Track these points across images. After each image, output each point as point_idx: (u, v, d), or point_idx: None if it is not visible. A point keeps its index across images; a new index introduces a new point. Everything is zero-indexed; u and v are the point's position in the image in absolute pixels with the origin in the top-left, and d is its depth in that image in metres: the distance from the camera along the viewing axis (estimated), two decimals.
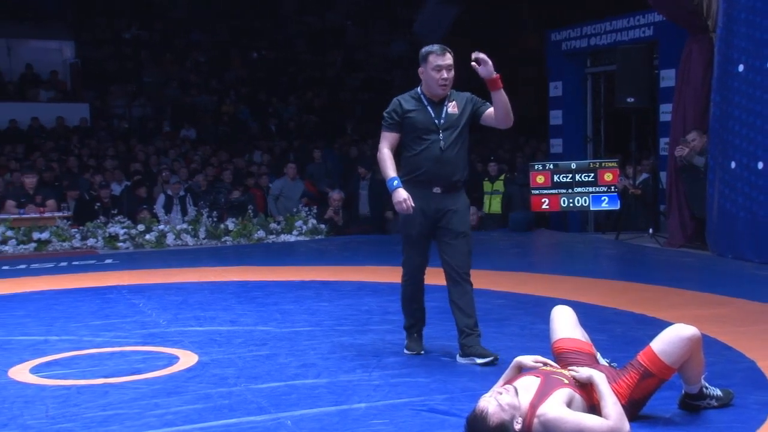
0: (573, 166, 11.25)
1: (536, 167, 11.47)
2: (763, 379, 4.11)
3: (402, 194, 4.58)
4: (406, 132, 4.74)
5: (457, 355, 4.71)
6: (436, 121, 4.70)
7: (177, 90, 17.72)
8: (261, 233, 11.05)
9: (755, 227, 8.29)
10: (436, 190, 4.69)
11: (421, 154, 4.68)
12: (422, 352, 4.86)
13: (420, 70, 4.75)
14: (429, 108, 4.72)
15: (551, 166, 11.38)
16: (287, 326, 5.62)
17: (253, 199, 12.16)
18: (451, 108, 4.74)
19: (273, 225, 11.24)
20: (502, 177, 12.22)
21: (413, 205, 4.58)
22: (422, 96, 4.75)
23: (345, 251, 9.89)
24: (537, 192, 11.32)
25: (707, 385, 3.63)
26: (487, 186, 12.28)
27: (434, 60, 4.67)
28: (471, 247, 4.80)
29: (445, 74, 4.66)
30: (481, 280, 7.36)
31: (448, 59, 4.69)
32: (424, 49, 4.76)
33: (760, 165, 8.22)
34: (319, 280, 7.58)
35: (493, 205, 12.20)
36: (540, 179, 11.30)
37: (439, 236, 4.78)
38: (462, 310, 4.73)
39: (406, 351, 4.90)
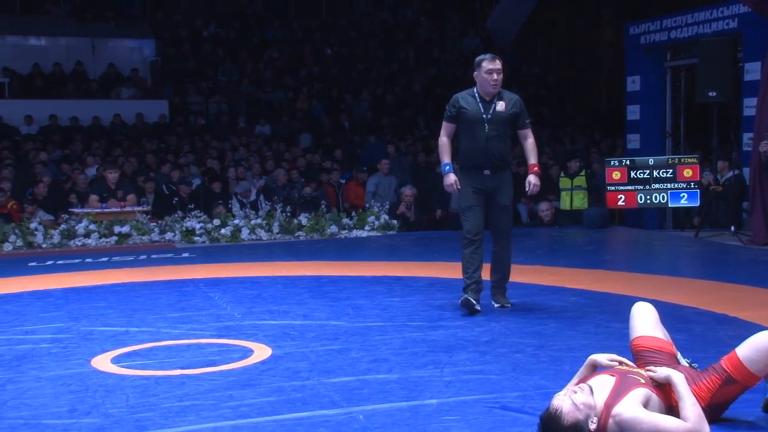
0: (651, 161, 11.00)
1: (612, 163, 11.25)
2: None
3: (451, 178, 5.83)
4: (461, 123, 5.84)
5: (493, 302, 5.95)
6: (485, 115, 5.77)
7: (252, 87, 17.97)
8: (333, 228, 11.11)
9: None
10: (486, 171, 5.78)
11: (472, 144, 5.78)
12: (477, 307, 5.76)
13: (475, 73, 5.84)
14: (480, 105, 5.79)
15: (628, 162, 11.15)
16: (359, 321, 5.65)
17: (325, 194, 12.25)
18: (500, 106, 5.80)
19: (345, 220, 11.31)
20: (583, 173, 12.03)
21: (459, 188, 5.82)
22: (476, 94, 5.83)
23: (417, 247, 9.88)
24: (613, 188, 11.10)
25: None
26: (565, 182, 12.11)
27: (486, 65, 5.76)
28: (512, 214, 6.05)
29: (495, 76, 5.73)
30: (556, 277, 7.31)
31: (498, 65, 5.76)
32: (478, 58, 5.86)
33: None
34: (391, 276, 7.59)
35: (575, 201, 12.02)
36: (616, 175, 11.08)
37: (488, 207, 5.86)
38: (497, 268, 5.96)
39: (460, 304, 5.80)
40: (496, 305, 5.98)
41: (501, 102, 5.80)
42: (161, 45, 18.76)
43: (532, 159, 5.91)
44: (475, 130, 5.77)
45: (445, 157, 5.89)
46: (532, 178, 5.87)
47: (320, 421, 3.55)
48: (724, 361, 3.35)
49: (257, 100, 17.68)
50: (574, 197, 12.00)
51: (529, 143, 5.93)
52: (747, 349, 3.31)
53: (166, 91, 17.57)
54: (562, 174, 12.20)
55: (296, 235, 11.02)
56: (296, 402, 3.83)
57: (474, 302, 5.76)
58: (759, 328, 3.79)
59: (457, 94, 5.94)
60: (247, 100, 17.66)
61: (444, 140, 5.93)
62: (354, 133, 16.73)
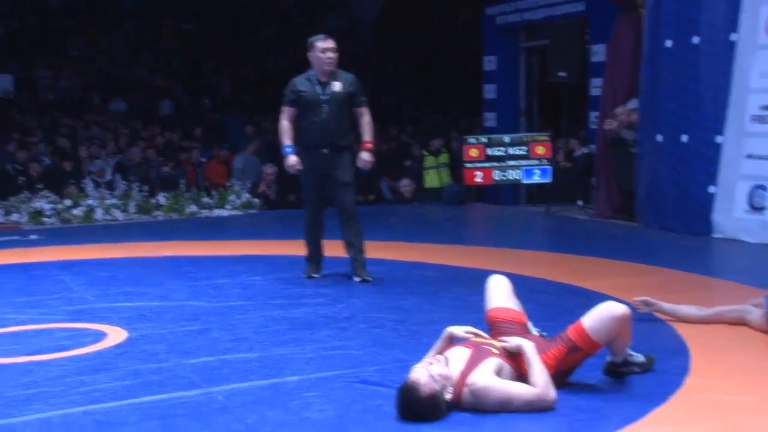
0: (506, 139, 11.35)
1: (469, 141, 11.54)
2: (683, 344, 4.24)
3: (292, 159, 6.07)
4: (300, 106, 6.03)
5: (353, 277, 6.12)
6: (322, 96, 5.98)
7: (106, 62, 17.26)
8: (193, 208, 10.90)
9: (680, 199, 8.52)
10: (324, 150, 5.98)
11: (311, 124, 5.99)
12: (319, 275, 6.24)
13: (309, 54, 6.03)
14: (317, 87, 6.00)
15: (485, 140, 11.47)
16: (220, 301, 5.57)
17: (184, 173, 11.98)
18: (336, 87, 6.00)
19: (206, 199, 11.10)
20: (446, 151, 12.30)
21: (300, 168, 6.04)
22: (313, 76, 6.04)
23: (278, 225, 9.83)
24: (470, 165, 11.40)
25: (631, 352, 3.72)
26: (430, 161, 12.33)
27: (320, 45, 5.98)
28: (355, 191, 6.20)
29: (330, 55, 5.96)
30: (416, 252, 7.46)
31: (331, 44, 5.99)
32: (311, 38, 6.07)
33: (685, 138, 8.44)
34: (253, 255, 7.52)
35: (442, 177, 12.29)
36: (473, 153, 11.38)
37: (330, 186, 6.09)
38: (351, 243, 6.14)
39: (304, 275, 6.23)
40: (357, 279, 6.09)
41: (337, 82, 6.00)
42: (4, 16, 17.68)
43: (367, 136, 6.14)
44: (313, 112, 5.99)
45: (286, 140, 6.08)
46: (364, 155, 6.11)
47: (178, 403, 3.49)
48: (570, 331, 3.53)
49: (112, 76, 17.00)
50: (441, 174, 12.27)
51: (365, 121, 6.13)
52: (590, 320, 3.49)
53: (11, 65, 16.59)
54: (426, 152, 12.43)
55: (154, 215, 10.74)
56: (153, 385, 3.75)
57: (314, 274, 6.25)
58: (603, 298, 4.02)
59: (294, 78, 6.14)
60: (101, 75, 16.95)
61: (284, 124, 6.10)
62: (215, 111, 16.39)
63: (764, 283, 5.57)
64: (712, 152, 8.16)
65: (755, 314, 4.50)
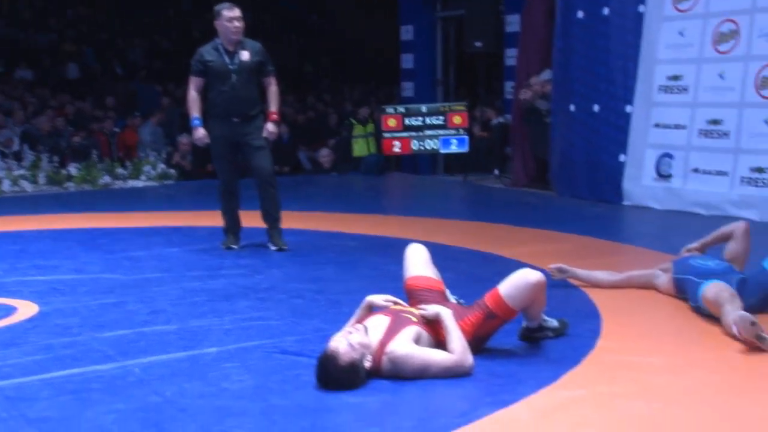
0: (423, 109, 11.42)
1: (387, 111, 11.56)
2: (595, 309, 4.38)
3: (200, 132, 6.05)
4: (208, 76, 5.98)
5: (269, 245, 6.14)
6: (231, 66, 5.93)
7: (10, 27, 16.56)
8: (107, 179, 10.64)
9: (592, 167, 8.75)
10: (235, 119, 5.94)
11: (220, 94, 5.94)
12: (237, 246, 6.20)
13: (216, 23, 5.95)
14: (225, 56, 5.94)
15: (402, 110, 11.51)
16: (135, 273, 5.47)
17: (97, 143, 11.66)
18: (244, 56, 5.96)
19: (120, 170, 10.85)
20: (371, 120, 12.30)
21: (208, 141, 6.02)
22: (220, 46, 5.98)
23: (196, 196, 9.69)
24: (389, 135, 11.43)
25: (545, 318, 3.83)
26: (359, 129, 12.31)
27: (227, 14, 5.90)
28: (271, 157, 6.17)
29: (236, 23, 5.91)
30: (336, 223, 7.47)
31: (237, 12, 5.92)
32: (217, 6, 5.98)
33: (596, 108, 8.65)
34: (170, 226, 7.41)
35: (370, 146, 12.29)
36: (391, 122, 11.41)
37: (244, 152, 6.07)
38: (268, 212, 6.12)
39: (222, 246, 6.19)
40: (273, 248, 6.10)
41: (245, 51, 5.97)
42: None
43: (272, 107, 6.11)
44: (222, 81, 5.94)
45: (194, 112, 6.04)
46: (269, 125, 6.07)
47: (93, 377, 3.42)
48: (487, 298, 3.59)
49: (17, 43, 16.32)
50: (369, 143, 12.27)
51: (272, 91, 6.11)
52: (506, 287, 3.56)
53: None
54: (354, 121, 12.41)
55: (65, 186, 10.45)
56: (66, 359, 3.66)
57: (232, 245, 6.21)
58: (519, 265, 4.10)
59: (201, 48, 6.09)
60: (5, 42, 16.25)
61: (193, 95, 6.04)
62: (128, 79, 15.95)
63: (671, 248, 5.79)
64: (622, 122, 8.39)
65: (663, 278, 4.67)
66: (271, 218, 6.15)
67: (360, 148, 12.29)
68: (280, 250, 6.08)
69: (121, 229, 7.32)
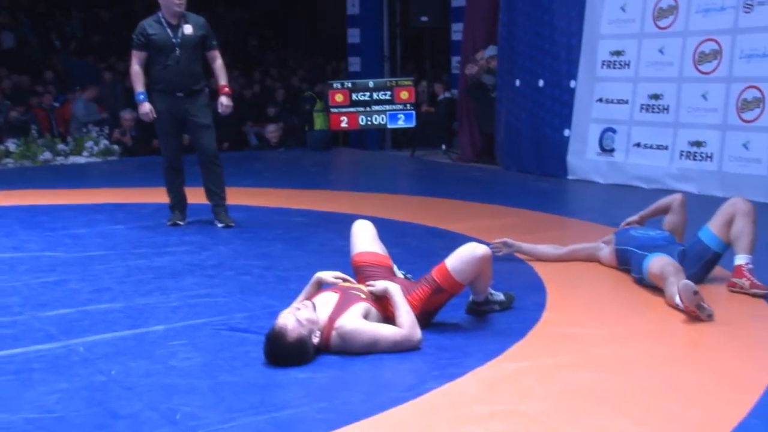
0: (370, 84, 11.39)
1: (335, 86, 11.51)
2: (540, 282, 4.45)
3: (146, 107, 5.92)
4: (151, 50, 5.88)
5: (216, 223, 6.09)
6: (174, 40, 5.85)
7: None
8: (47, 155, 10.40)
9: (536, 141, 8.84)
10: (179, 94, 5.88)
11: (164, 69, 5.85)
12: (183, 222, 6.19)
13: None
14: (168, 30, 5.85)
15: (349, 85, 11.46)
16: (79, 251, 5.38)
17: (36, 118, 11.37)
18: (187, 30, 5.87)
19: (61, 146, 10.61)
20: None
21: (155, 116, 5.92)
22: (162, 19, 5.88)
23: (141, 172, 9.54)
24: (336, 110, 11.39)
25: (492, 291, 3.87)
26: (320, 104, 12.20)
27: None
28: (215, 134, 6.08)
29: None
30: (283, 199, 7.43)
31: None
32: None
33: (541, 83, 8.73)
34: (114, 203, 7.29)
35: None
36: (339, 98, 11.37)
37: (189, 130, 6.04)
38: (212, 191, 6.06)
39: (168, 223, 6.16)
40: (219, 225, 6.06)
41: (188, 25, 5.90)
42: None
43: (222, 80, 6.05)
44: (166, 56, 5.86)
45: (138, 86, 5.94)
46: (223, 99, 6.01)
47: (35, 357, 3.36)
48: (435, 272, 3.62)
49: None
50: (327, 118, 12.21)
51: (218, 65, 6.05)
52: (453, 261, 3.59)
53: None
54: (314, 95, 12.30)
55: (3, 162, 10.18)
56: (6, 338, 3.59)
57: (178, 221, 6.19)
58: (466, 239, 4.14)
59: (143, 21, 5.98)
60: None
61: (135, 68, 5.95)
62: (67, 53, 15.55)
63: (614, 221, 5.90)
64: (566, 96, 8.49)
65: (605, 251, 4.76)
66: (216, 196, 6.11)
67: (321, 122, 12.18)
68: (226, 226, 6.04)
69: (63, 206, 7.18)
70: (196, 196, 6.35)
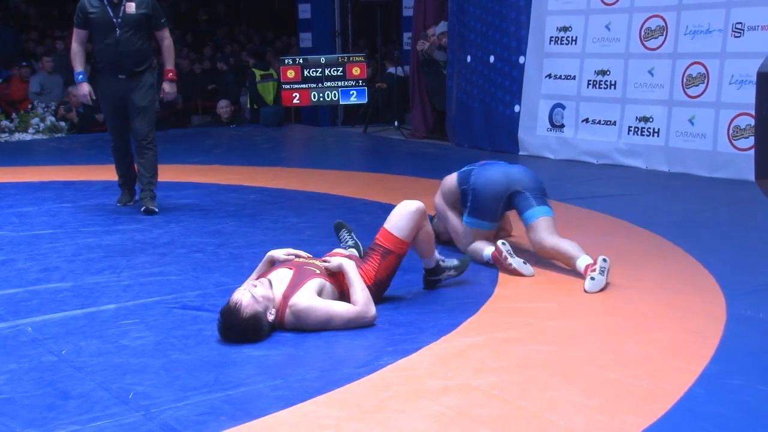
0: (322, 60, 11.32)
1: (286, 62, 11.42)
2: None
3: (85, 88, 5.72)
4: (91, 29, 5.65)
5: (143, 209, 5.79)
6: (115, 19, 5.58)
7: None
8: None
9: (488, 118, 8.89)
10: (121, 76, 5.65)
11: (105, 48, 5.63)
12: (132, 202, 6.07)
13: None
14: (108, 8, 5.57)
15: (301, 61, 11.38)
16: (25, 230, 5.29)
17: None
18: (129, 8, 5.60)
19: (5, 123, 10.36)
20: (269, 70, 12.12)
21: (94, 97, 5.75)
22: None
23: (89, 150, 9.37)
24: (288, 87, 11.31)
25: (443, 258, 3.92)
26: (259, 76, 12.06)
27: None
28: (153, 118, 5.86)
29: None
30: (235, 176, 7.38)
31: None
32: None
33: (492, 59, 8.76)
34: (61, 181, 7.16)
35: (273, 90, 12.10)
36: (290, 74, 11.28)
37: (128, 112, 5.77)
38: (141, 173, 5.83)
39: (118, 204, 6.03)
40: (142, 210, 5.79)
41: (131, 3, 5.61)
42: None
43: (168, 64, 5.84)
44: (106, 34, 5.61)
45: (78, 66, 5.72)
46: (165, 86, 5.82)
47: None
48: (378, 237, 3.69)
49: None
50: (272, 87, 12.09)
51: (165, 45, 5.82)
52: (391, 221, 3.69)
53: None
54: (254, 71, 12.18)
55: None
56: None
57: (128, 203, 6.07)
58: None
59: None
60: None
61: (75, 47, 5.73)
62: (11, 26, 15.14)
63: (565, 196, 5.98)
64: (516, 72, 8.54)
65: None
66: (145, 180, 5.83)
67: (269, 92, 12.05)
68: (148, 211, 5.72)
69: (8, 184, 7.03)
70: None
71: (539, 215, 4.23)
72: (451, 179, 4.59)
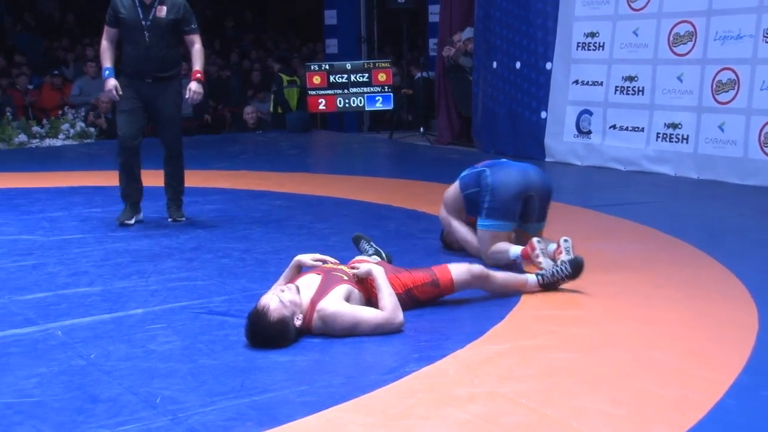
0: (348, 66, 11.35)
1: (312, 68, 11.46)
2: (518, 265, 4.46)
3: (111, 83, 5.53)
4: (121, 29, 5.55)
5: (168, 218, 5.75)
6: (144, 21, 5.47)
7: None
8: (23, 137, 10.28)
9: (514, 124, 8.86)
10: (148, 80, 5.53)
11: (133, 51, 5.53)
12: (132, 222, 5.67)
13: None
14: (140, 9, 5.47)
15: (327, 67, 11.42)
16: (56, 234, 5.35)
17: (11, 100, 11.23)
18: (160, 12, 5.48)
19: (36, 128, 10.49)
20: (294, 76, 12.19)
21: (120, 93, 5.52)
22: None
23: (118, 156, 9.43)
24: (314, 93, 11.35)
25: (545, 272, 3.97)
26: (285, 81, 12.12)
27: None
28: (181, 128, 5.80)
29: None
30: (261, 181, 7.41)
31: None
32: None
33: (518, 65, 8.73)
34: (91, 186, 7.24)
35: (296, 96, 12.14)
36: (316, 80, 11.32)
37: (154, 119, 5.70)
38: (169, 184, 5.78)
39: (117, 221, 5.66)
40: (169, 220, 5.76)
41: (162, 7, 5.49)
42: None
43: (197, 65, 5.63)
44: (135, 37, 5.51)
45: (106, 62, 5.59)
46: (192, 85, 5.56)
47: (12, 341, 3.34)
48: (438, 270, 3.73)
49: None
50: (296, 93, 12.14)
51: (195, 49, 5.65)
52: (456, 267, 3.74)
53: None
54: (281, 76, 12.23)
55: None
56: None
57: (127, 217, 5.67)
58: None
59: None
60: None
61: (104, 44, 5.62)
62: (41, 33, 15.35)
63: (592, 203, 5.94)
64: (542, 78, 8.51)
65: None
66: (171, 190, 5.80)
67: (293, 98, 12.09)
68: (175, 221, 5.71)
69: (39, 189, 7.11)
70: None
71: (532, 232, 4.36)
72: (453, 188, 4.60)
